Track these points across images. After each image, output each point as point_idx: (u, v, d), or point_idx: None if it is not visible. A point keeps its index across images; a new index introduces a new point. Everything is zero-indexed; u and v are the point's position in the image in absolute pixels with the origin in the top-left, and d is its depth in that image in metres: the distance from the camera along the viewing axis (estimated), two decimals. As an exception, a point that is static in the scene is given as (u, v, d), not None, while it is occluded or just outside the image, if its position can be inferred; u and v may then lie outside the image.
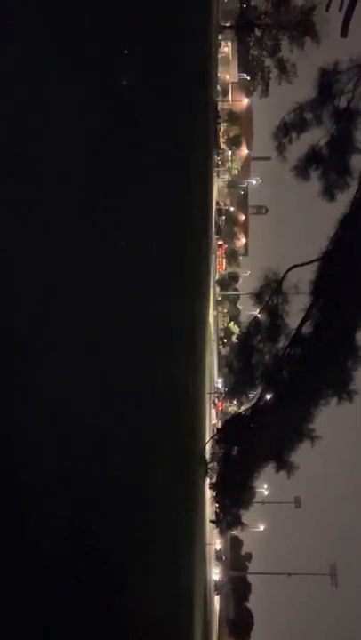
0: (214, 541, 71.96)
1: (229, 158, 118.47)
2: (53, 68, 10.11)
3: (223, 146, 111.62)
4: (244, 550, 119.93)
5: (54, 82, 10.21)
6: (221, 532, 72.95)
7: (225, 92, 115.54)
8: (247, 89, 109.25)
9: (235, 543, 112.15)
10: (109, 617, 12.42)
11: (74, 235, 11.05)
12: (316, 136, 10.84)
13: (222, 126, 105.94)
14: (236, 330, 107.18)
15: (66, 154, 10.65)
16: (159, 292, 20.38)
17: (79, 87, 11.55)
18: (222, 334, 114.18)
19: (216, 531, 57.66)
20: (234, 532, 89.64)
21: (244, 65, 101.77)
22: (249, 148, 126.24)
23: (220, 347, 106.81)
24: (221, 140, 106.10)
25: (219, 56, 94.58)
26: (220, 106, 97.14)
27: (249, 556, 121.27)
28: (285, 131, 11.41)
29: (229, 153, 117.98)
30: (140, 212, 17.16)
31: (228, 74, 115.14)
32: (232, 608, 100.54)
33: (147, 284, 18.28)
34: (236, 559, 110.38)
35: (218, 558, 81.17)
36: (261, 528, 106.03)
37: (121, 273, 14.73)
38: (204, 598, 49.43)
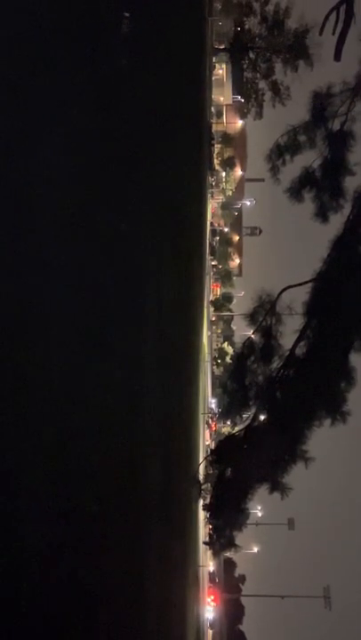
0: (208, 563, 71.53)
1: (223, 179, 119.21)
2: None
3: (217, 167, 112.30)
4: (237, 572, 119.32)
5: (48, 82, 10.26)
6: (215, 554, 72.51)
7: (219, 114, 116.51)
8: (241, 111, 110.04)
9: (228, 565, 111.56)
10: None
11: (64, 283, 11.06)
12: (310, 158, 10.92)
13: (216, 148, 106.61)
14: (229, 350, 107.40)
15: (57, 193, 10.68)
16: (149, 316, 20.40)
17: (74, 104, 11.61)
18: (216, 355, 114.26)
19: (210, 552, 57.46)
20: (227, 554, 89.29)
21: (238, 87, 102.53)
22: (243, 169, 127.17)
23: (214, 367, 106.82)
24: (216, 161, 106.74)
25: (213, 78, 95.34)
26: (214, 127, 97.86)
27: (242, 578, 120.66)
28: (279, 153, 11.48)
29: (223, 174, 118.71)
30: (134, 233, 17.19)
31: (223, 96, 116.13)
32: (225, 631, 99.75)
33: (136, 305, 18.30)
34: (229, 581, 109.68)
35: (211, 580, 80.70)
36: (255, 550, 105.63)
37: (112, 287, 14.74)
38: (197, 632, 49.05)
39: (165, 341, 23.97)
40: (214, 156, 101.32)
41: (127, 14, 15.85)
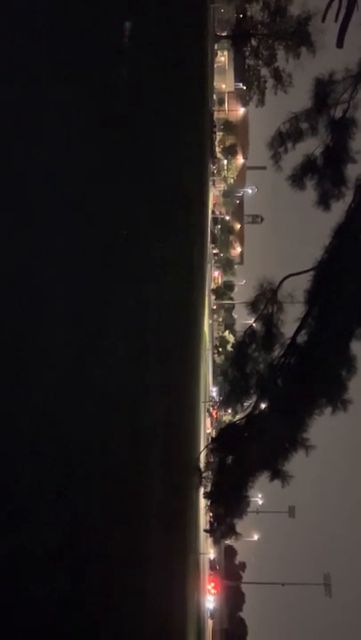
0: (208, 551, 71.81)
1: (225, 167, 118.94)
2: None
3: (219, 155, 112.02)
4: (238, 560, 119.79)
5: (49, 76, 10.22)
6: (215, 542, 72.85)
7: (221, 102, 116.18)
8: (243, 98, 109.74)
9: (229, 552, 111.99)
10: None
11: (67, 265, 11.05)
12: (312, 146, 10.87)
13: (218, 135, 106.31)
14: (231, 339, 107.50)
15: (58, 168, 10.65)
16: (150, 305, 20.39)
17: (77, 87, 11.57)
18: (217, 343, 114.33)
19: (210, 540, 57.61)
20: (228, 542, 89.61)
21: (240, 74, 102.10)
22: (245, 157, 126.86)
23: (215, 355, 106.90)
24: (217, 149, 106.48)
25: (215, 65, 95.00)
26: (216, 115, 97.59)
27: (243, 566, 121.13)
28: (281, 140, 11.43)
29: (225, 162, 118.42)
30: (135, 222, 17.17)
31: (225, 83, 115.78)
32: (226, 618, 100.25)
33: (139, 292, 18.28)
34: (230, 568, 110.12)
35: (212, 567, 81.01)
36: (255, 538, 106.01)
37: (114, 278, 14.73)
38: (198, 624, 49.26)
39: (166, 330, 23.98)
40: (216, 143, 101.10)
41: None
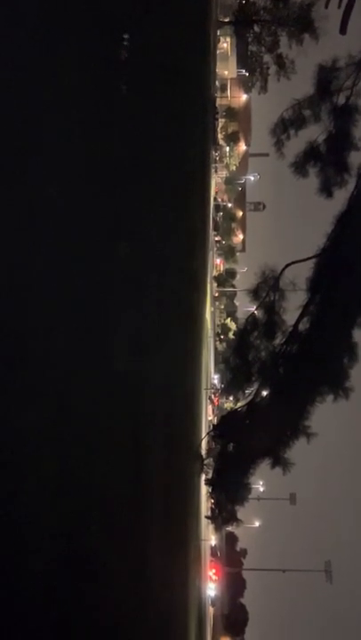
0: (210, 537, 72.06)
1: (227, 154, 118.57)
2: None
3: (221, 142, 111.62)
4: (239, 546, 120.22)
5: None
6: (217, 528, 72.92)
7: (223, 88, 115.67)
8: (246, 85, 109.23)
9: (230, 539, 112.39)
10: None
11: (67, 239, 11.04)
12: (315, 133, 10.83)
13: (220, 122, 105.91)
14: (232, 326, 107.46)
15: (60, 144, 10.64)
16: (154, 289, 20.39)
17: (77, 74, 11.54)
18: (219, 330, 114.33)
19: (211, 527, 57.78)
20: (229, 528, 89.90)
21: (242, 61, 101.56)
22: (247, 144, 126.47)
23: (217, 343, 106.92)
24: (220, 135, 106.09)
25: (217, 52, 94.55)
26: (218, 102, 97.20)
27: (244, 552, 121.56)
28: (284, 127, 11.39)
29: (227, 149, 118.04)
30: (138, 210, 17.15)
31: (227, 70, 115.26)
32: (227, 604, 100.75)
33: (142, 279, 18.28)
34: (231, 555, 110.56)
35: (213, 554, 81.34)
36: (257, 524, 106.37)
37: (117, 267, 14.73)
38: (199, 610, 49.45)
39: (168, 318, 23.98)
40: (218, 130, 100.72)
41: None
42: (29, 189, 9.19)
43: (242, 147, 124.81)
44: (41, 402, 9.40)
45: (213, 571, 78.24)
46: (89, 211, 12.30)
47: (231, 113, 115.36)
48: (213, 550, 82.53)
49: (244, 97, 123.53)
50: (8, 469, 8.23)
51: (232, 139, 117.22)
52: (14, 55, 8.76)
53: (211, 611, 79.92)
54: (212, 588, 76.31)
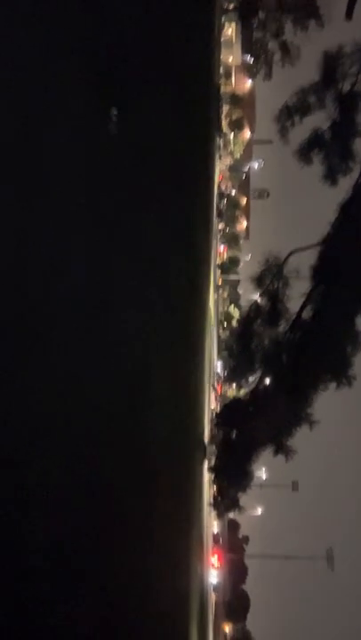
0: (212, 524, 72.31)
1: (231, 141, 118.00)
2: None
3: (225, 129, 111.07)
4: (241, 533, 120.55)
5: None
6: (219, 515, 73.27)
7: (228, 75, 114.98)
8: (250, 71, 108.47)
9: (232, 526, 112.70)
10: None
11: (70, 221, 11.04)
12: (319, 120, 10.79)
13: (225, 109, 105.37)
14: (236, 314, 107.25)
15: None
16: (158, 276, 20.37)
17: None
18: (222, 318, 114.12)
19: (214, 513, 57.94)
20: (231, 515, 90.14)
21: (247, 47, 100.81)
22: (251, 130, 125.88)
23: (220, 331, 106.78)
24: (224, 122, 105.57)
25: (222, 38, 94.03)
26: (222, 88, 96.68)
27: (246, 539, 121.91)
28: (288, 114, 11.34)
29: (232, 136, 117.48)
30: (141, 196, 17.11)
31: (232, 56, 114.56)
32: (229, 590, 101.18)
33: (146, 266, 18.26)
34: (233, 542, 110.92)
35: (215, 541, 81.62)
36: (259, 511, 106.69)
37: (120, 250, 14.72)
38: (201, 597, 49.66)
39: (171, 305, 23.97)
40: (222, 117, 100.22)
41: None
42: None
43: (246, 134, 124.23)
44: (44, 385, 9.43)
45: (215, 557, 78.51)
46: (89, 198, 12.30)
47: (235, 100, 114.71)
48: (216, 537, 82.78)
49: (248, 83, 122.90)
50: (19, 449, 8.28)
51: (236, 126, 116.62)
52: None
53: (213, 597, 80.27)
54: (214, 575, 76.62)
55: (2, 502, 7.97)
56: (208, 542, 67.32)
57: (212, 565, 75.52)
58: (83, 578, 10.93)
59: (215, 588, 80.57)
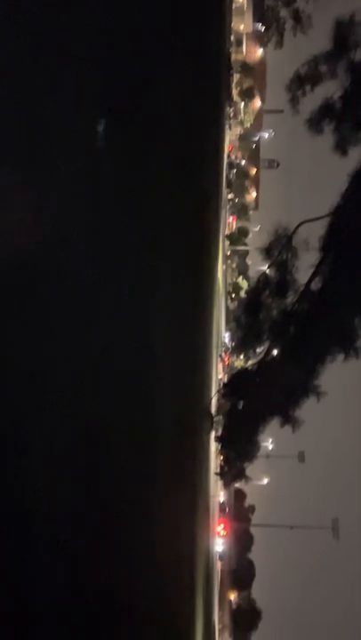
0: (218, 493, 72.83)
1: (242, 110, 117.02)
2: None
3: (236, 98, 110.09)
4: (247, 503, 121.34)
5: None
6: (226, 485, 73.77)
7: (239, 43, 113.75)
8: (261, 40, 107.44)
9: (238, 495, 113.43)
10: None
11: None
12: (331, 89, 10.67)
13: (235, 77, 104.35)
14: (244, 285, 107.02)
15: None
16: (165, 246, 20.33)
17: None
18: (231, 289, 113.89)
19: (220, 483, 58.30)
20: (238, 485, 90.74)
21: (258, 15, 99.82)
22: (262, 100, 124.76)
23: (229, 301, 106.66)
24: (234, 91, 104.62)
25: (233, 6, 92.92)
26: (233, 57, 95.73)
27: (252, 509, 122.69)
28: (299, 83, 11.23)
29: (242, 105, 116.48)
30: (150, 165, 17.03)
31: (243, 24, 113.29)
32: (234, 559, 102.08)
33: (153, 237, 18.22)
34: (239, 511, 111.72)
35: (222, 510, 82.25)
36: (265, 482, 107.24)
37: (127, 220, 14.68)
38: (207, 565, 50.05)
39: (179, 275, 23.94)
40: (233, 86, 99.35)
41: None
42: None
43: (257, 103, 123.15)
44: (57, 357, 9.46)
45: (222, 526, 79.18)
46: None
47: (246, 68, 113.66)
48: (222, 506, 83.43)
49: (259, 52, 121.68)
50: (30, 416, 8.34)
51: (247, 95, 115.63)
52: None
53: (218, 565, 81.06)
54: (220, 544, 77.31)
55: (5, 463, 8.03)
56: (214, 511, 67.86)
57: (218, 534, 76.18)
58: (85, 545, 11.04)
59: (221, 557, 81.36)
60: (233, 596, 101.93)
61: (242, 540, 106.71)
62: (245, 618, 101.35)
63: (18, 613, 8.03)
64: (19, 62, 8.45)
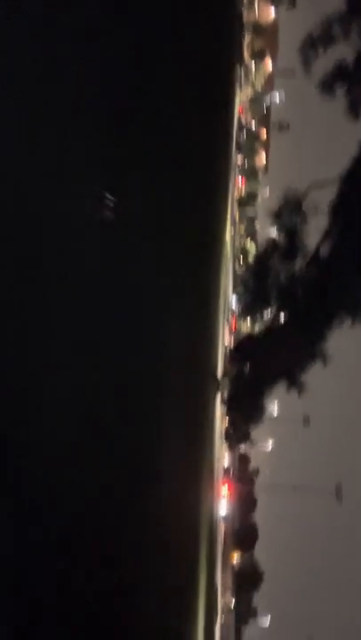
0: (223, 456, 73.28)
1: (253, 72, 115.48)
2: None
3: (247, 59, 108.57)
4: (251, 466, 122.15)
5: None
6: (231, 447, 74.27)
7: (251, 3, 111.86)
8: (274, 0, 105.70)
9: (243, 459, 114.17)
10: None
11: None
12: (344, 51, 10.54)
13: (247, 38, 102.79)
14: (252, 249, 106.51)
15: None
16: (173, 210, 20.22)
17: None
18: (239, 253, 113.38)
19: (225, 446, 58.63)
20: (242, 448, 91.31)
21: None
22: (273, 61, 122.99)
23: (236, 266, 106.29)
24: (245, 52, 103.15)
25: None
26: (245, 17, 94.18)
27: (256, 471, 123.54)
28: (312, 44, 11.09)
29: (253, 66, 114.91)
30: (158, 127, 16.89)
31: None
32: (238, 521, 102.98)
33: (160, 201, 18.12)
34: (243, 474, 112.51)
35: (226, 473, 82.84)
36: (270, 445, 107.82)
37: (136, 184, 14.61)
38: (211, 526, 50.52)
39: (186, 239, 23.84)
40: (244, 47, 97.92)
41: None
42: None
43: (268, 64, 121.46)
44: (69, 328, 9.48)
45: (226, 488, 79.78)
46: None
47: (258, 29, 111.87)
48: (226, 469, 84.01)
49: (271, 12, 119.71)
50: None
51: (258, 56, 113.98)
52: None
53: (222, 527, 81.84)
54: (223, 506, 77.97)
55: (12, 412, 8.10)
56: (219, 474, 68.37)
57: (222, 496, 76.78)
58: (87, 504, 11.14)
59: (224, 519, 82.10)
60: (236, 558, 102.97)
61: (245, 503, 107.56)
62: (248, 579, 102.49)
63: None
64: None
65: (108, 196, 11.82)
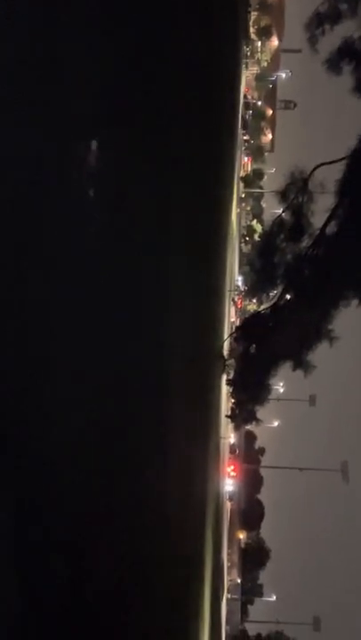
0: (229, 435, 73.61)
1: (259, 49, 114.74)
2: None
3: (253, 36, 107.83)
4: (257, 445, 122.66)
5: None
6: (237, 427, 74.51)
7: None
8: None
9: (249, 438, 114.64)
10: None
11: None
12: (351, 28, 10.42)
13: (253, 15, 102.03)
14: (258, 228, 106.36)
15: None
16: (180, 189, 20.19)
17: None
18: (245, 232, 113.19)
19: (231, 425, 58.83)
20: (248, 427, 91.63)
21: None
22: (280, 39, 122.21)
23: (242, 245, 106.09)
24: (251, 29, 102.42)
25: None
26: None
27: (262, 451, 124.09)
28: (318, 22, 10.96)
29: (259, 44, 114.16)
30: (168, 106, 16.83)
31: None
32: (244, 499, 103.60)
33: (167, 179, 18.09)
34: (249, 453, 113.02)
35: (232, 451, 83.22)
36: (276, 424, 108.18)
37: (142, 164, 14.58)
38: (217, 505, 50.77)
39: (192, 218, 23.81)
40: (250, 24, 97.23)
41: None
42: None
43: (274, 42, 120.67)
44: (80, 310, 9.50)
45: (232, 467, 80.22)
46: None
47: (264, 6, 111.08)
48: (232, 448, 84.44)
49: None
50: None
51: (264, 33, 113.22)
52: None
53: (228, 505, 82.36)
54: (230, 484, 78.42)
55: (25, 403, 8.15)
56: (225, 453, 68.68)
57: (229, 475, 77.21)
58: (104, 488, 11.23)
59: (231, 497, 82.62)
60: (242, 536, 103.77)
61: (251, 481, 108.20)
62: (254, 557, 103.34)
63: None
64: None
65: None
